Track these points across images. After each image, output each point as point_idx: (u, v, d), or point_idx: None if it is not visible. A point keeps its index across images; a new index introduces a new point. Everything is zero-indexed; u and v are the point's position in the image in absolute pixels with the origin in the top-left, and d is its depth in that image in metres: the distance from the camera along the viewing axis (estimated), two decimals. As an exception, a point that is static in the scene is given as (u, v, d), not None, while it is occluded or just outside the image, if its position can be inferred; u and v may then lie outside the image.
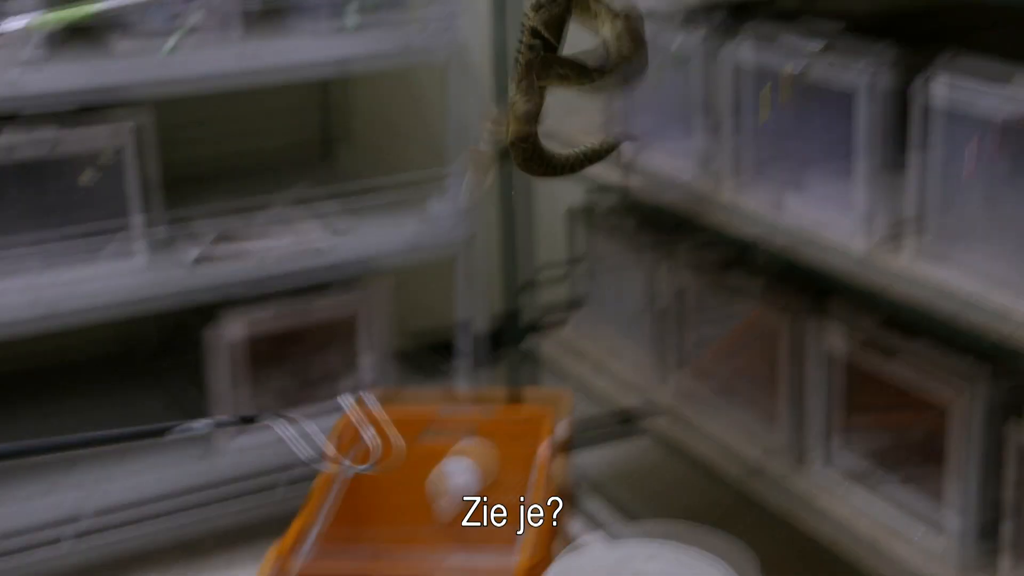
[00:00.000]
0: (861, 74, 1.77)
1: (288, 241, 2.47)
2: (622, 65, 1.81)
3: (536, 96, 1.66)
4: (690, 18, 2.17)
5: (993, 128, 1.60)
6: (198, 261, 2.37)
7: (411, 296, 3.14)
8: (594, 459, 2.86)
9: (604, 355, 2.55)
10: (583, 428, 2.85)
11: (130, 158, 2.30)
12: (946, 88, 1.65)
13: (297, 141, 2.99)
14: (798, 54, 1.87)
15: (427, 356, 3.04)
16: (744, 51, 1.98)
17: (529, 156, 1.76)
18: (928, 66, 1.69)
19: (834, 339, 1.96)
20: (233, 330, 2.45)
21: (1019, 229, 1.60)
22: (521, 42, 1.67)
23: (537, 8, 1.58)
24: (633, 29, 1.79)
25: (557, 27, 1.62)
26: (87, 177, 2.25)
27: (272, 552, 1.92)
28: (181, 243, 2.42)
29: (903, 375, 1.84)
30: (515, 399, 2.70)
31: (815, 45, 1.86)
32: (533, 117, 1.68)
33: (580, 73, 1.79)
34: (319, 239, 2.48)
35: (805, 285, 2.01)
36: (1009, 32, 1.90)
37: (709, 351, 2.30)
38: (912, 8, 2.13)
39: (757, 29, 1.99)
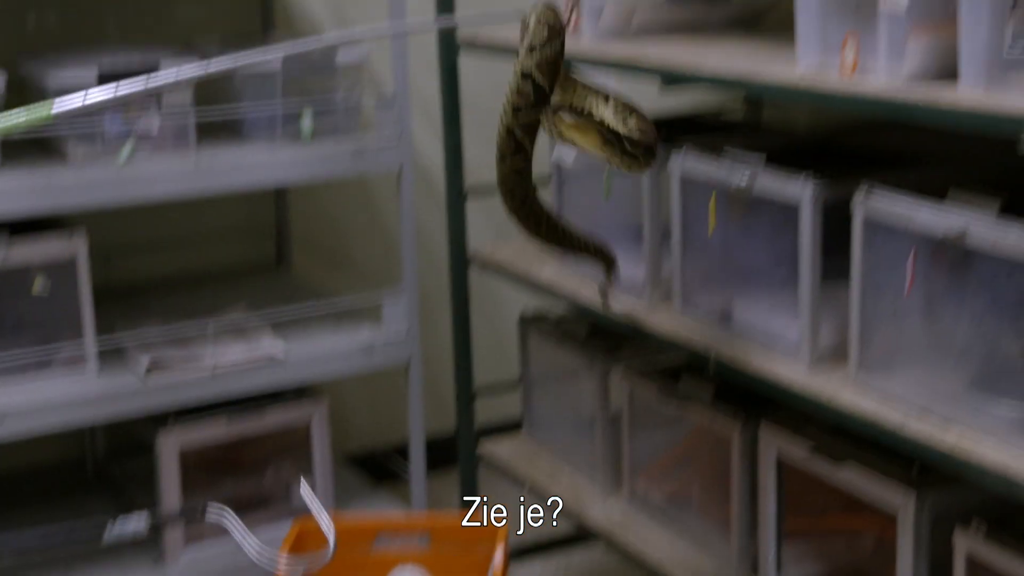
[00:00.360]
0: (803, 188, 1.83)
1: (241, 350, 2.48)
2: (643, 140, 1.71)
3: (527, 150, 1.58)
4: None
5: (929, 244, 1.66)
6: (150, 370, 2.37)
7: (366, 402, 3.15)
8: (548, 567, 2.85)
9: (556, 462, 2.57)
10: (537, 535, 2.85)
11: (83, 268, 2.31)
12: (882, 204, 1.71)
13: (251, 247, 3.02)
14: (744, 168, 1.94)
15: (381, 462, 3.04)
16: (691, 164, 2.04)
17: (526, 206, 1.66)
18: (866, 181, 1.75)
19: (784, 447, 1.99)
20: (184, 438, 2.45)
21: (957, 342, 1.65)
22: (512, 89, 1.58)
23: (531, 50, 1.52)
24: (637, 109, 1.73)
25: (551, 71, 1.55)
26: (39, 287, 2.25)
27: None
28: (133, 352, 2.42)
29: (851, 483, 1.87)
30: (466, 506, 2.70)
31: (759, 160, 1.92)
32: (526, 171, 1.61)
33: (614, 139, 1.66)
34: (272, 348, 2.50)
35: (755, 393, 2.05)
36: (944, 149, 1.98)
37: (661, 459, 2.33)
38: (852, 124, 2.20)
39: (704, 142, 2.06)
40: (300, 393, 2.61)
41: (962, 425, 1.63)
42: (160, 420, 2.45)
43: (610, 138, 1.67)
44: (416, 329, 2.60)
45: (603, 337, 2.45)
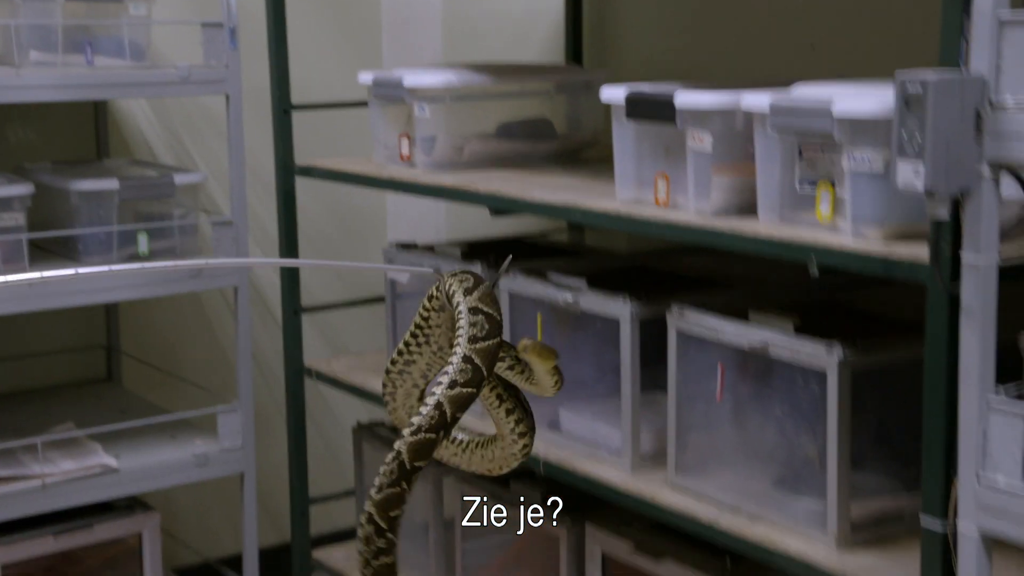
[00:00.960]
0: (622, 307, 2.02)
1: (70, 464, 2.49)
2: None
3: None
4: (469, 252, 2.40)
5: (736, 356, 1.86)
6: (-19, 488, 2.37)
7: (198, 514, 3.17)
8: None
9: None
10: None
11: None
12: (693, 321, 1.91)
13: (81, 363, 3.03)
14: (568, 289, 2.11)
15: (214, 574, 3.06)
16: (520, 284, 2.21)
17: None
18: (679, 301, 1.95)
19: (608, 546, 2.15)
20: (6, 555, 2.43)
21: (763, 445, 1.85)
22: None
23: (473, 340, 1.47)
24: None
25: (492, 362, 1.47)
26: None
27: None
28: (-36, 469, 2.42)
29: (671, 576, 2.04)
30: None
31: (581, 283, 2.10)
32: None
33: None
34: (102, 460, 2.52)
35: (582, 495, 2.21)
36: (748, 269, 2.21)
37: (496, 561, 2.44)
38: (666, 248, 2.42)
39: (532, 263, 2.23)
40: (131, 506, 2.63)
41: (768, 520, 1.82)
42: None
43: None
44: (251, 441, 2.67)
45: (435, 446, 2.57)
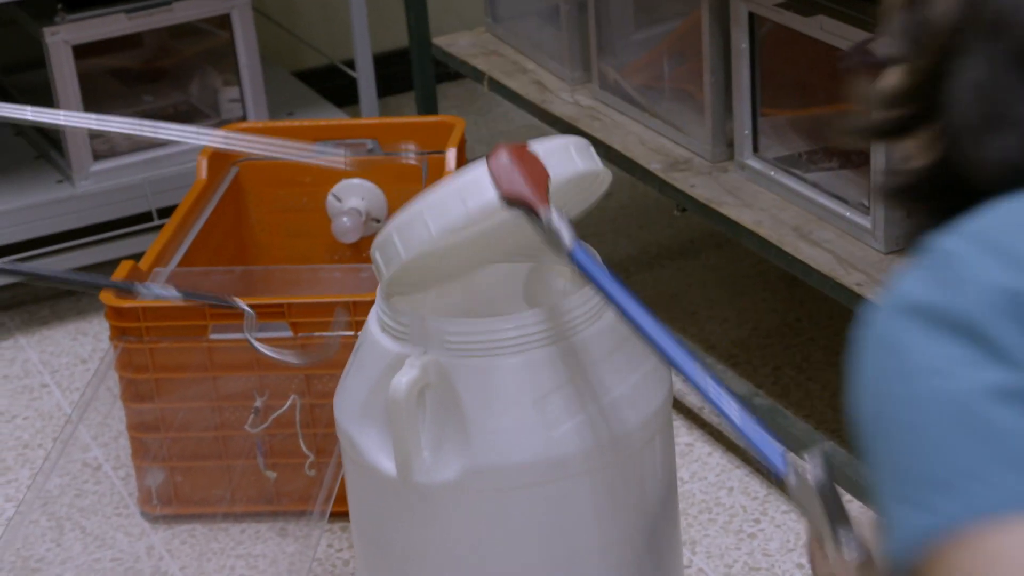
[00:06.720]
0: None
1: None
2: None
3: None
4: None
5: None
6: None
7: (319, 18, 3.05)
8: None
9: (521, 55, 2.47)
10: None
11: None
12: None
13: None
14: None
15: (328, 76, 2.95)
16: None
17: None
18: None
19: (755, 2, 1.88)
20: (76, 35, 2.32)
21: None
22: None
23: None
24: None
25: None
26: None
27: (124, 265, 1.87)
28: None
29: (824, 33, 1.77)
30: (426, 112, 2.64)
31: None
32: None
33: None
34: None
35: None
36: None
37: (643, 56, 2.23)
38: None
39: None
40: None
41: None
42: (48, 18, 2.33)
43: None
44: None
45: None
